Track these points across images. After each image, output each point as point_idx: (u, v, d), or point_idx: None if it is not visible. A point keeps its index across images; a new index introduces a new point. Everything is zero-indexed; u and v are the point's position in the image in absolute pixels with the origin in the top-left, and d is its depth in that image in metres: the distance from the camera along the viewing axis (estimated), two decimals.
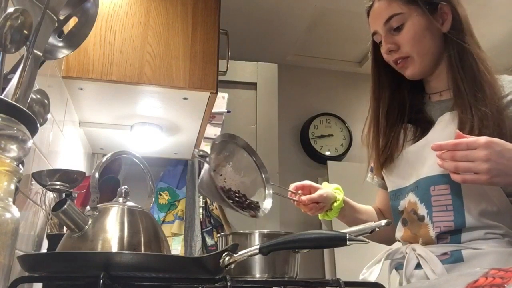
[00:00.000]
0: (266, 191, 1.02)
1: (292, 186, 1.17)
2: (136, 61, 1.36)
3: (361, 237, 0.72)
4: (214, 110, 1.81)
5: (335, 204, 1.14)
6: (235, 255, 0.71)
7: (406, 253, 0.97)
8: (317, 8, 2.79)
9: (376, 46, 1.09)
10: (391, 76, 1.09)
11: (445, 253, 0.92)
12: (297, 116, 3.29)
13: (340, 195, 1.16)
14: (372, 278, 1.00)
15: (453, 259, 0.91)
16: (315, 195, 1.13)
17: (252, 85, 2.58)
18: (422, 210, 0.98)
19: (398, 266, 1.02)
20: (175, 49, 1.40)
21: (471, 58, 0.98)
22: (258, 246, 0.72)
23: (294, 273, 0.94)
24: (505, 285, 0.52)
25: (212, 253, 0.72)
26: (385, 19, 1.01)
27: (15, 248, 0.53)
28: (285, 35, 3.10)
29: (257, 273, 0.89)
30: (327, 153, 3.23)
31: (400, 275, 1.00)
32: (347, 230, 0.82)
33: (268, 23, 2.96)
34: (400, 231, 1.05)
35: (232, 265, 0.71)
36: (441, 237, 0.94)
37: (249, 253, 0.72)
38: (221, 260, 0.71)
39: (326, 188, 1.15)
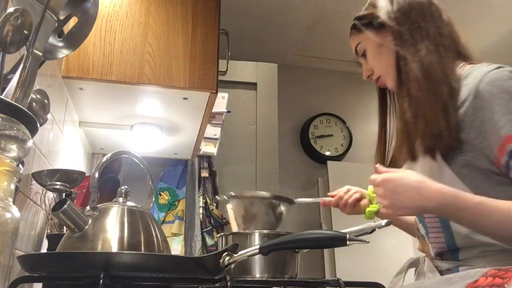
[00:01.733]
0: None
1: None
2: (136, 61, 1.36)
3: (361, 237, 0.72)
4: (214, 110, 1.81)
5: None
6: (235, 255, 0.71)
7: (424, 263, 1.00)
8: (317, 8, 2.79)
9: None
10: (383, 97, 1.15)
11: (448, 269, 0.93)
12: (297, 116, 3.29)
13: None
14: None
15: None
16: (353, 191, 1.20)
17: (252, 85, 2.58)
18: (422, 230, 1.01)
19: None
20: (175, 49, 1.40)
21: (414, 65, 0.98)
22: (258, 246, 0.72)
23: (294, 273, 0.94)
24: (505, 285, 0.52)
25: (212, 253, 0.72)
26: (354, 51, 1.14)
27: (15, 248, 0.53)
28: (285, 35, 3.10)
29: (257, 273, 0.89)
30: (327, 153, 3.23)
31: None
32: (347, 230, 0.82)
33: (268, 23, 2.96)
34: (416, 242, 1.08)
35: (232, 265, 0.71)
36: (442, 254, 0.95)
37: (249, 253, 0.72)
38: (221, 260, 0.71)
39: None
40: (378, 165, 0.90)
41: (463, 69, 0.95)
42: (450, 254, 0.93)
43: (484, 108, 0.85)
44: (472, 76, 0.91)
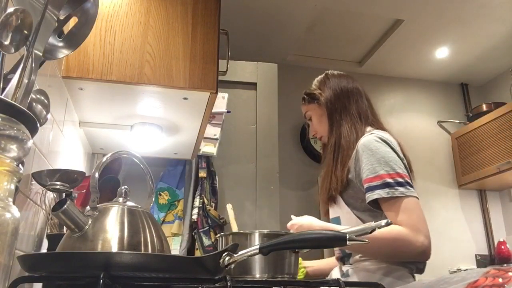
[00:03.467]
0: None
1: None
2: (136, 61, 1.36)
3: (361, 237, 0.72)
4: (214, 110, 1.81)
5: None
6: (235, 255, 0.71)
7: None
8: (317, 8, 2.79)
9: None
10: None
11: (342, 271, 1.35)
12: (297, 116, 3.28)
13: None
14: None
15: (345, 274, 1.32)
16: None
17: (252, 85, 2.58)
18: None
19: None
20: (175, 49, 1.40)
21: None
22: (258, 246, 0.72)
23: (294, 273, 0.94)
24: (505, 285, 0.52)
25: (212, 253, 0.72)
26: (304, 115, 1.59)
27: (15, 248, 0.53)
28: (285, 35, 3.10)
29: (257, 273, 0.89)
30: None
31: None
32: (347, 230, 0.82)
33: (268, 23, 2.96)
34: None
35: (232, 265, 0.71)
36: (342, 259, 1.38)
37: (249, 253, 0.72)
38: (221, 260, 0.71)
39: None
40: (289, 224, 1.36)
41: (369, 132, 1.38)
42: (346, 258, 1.36)
43: (359, 159, 1.31)
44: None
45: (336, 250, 1.42)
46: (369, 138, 1.31)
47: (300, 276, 1.44)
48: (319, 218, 1.38)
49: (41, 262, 0.69)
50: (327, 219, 1.51)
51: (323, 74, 1.55)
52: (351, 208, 1.33)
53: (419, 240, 1.16)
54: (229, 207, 1.36)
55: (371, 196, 1.24)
